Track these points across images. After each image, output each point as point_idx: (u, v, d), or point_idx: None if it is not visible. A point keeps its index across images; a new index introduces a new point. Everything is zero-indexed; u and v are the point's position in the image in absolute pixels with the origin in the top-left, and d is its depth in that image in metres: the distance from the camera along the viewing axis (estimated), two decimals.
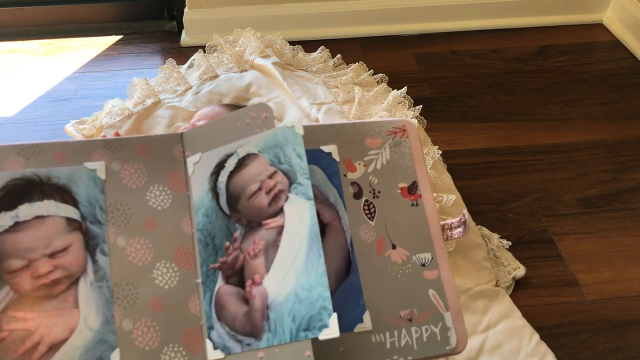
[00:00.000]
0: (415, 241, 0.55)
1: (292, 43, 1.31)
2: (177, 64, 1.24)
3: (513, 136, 1.23)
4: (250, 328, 0.49)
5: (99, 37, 1.52)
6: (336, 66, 1.29)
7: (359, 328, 0.51)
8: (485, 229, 1.01)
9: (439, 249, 0.55)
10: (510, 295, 0.92)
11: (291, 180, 0.51)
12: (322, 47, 1.30)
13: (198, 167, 0.54)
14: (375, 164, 0.58)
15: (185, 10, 1.49)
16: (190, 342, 0.50)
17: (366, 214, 0.56)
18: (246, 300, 0.49)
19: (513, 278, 0.94)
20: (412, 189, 0.57)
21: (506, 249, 0.99)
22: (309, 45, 1.33)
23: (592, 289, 0.95)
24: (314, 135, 0.57)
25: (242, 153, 0.54)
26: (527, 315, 0.88)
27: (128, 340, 0.48)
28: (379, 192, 0.57)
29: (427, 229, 0.56)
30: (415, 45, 1.51)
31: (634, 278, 0.96)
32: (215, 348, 0.49)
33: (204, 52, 1.27)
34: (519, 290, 0.94)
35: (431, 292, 0.53)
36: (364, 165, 0.57)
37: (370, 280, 0.53)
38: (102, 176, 0.51)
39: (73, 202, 0.50)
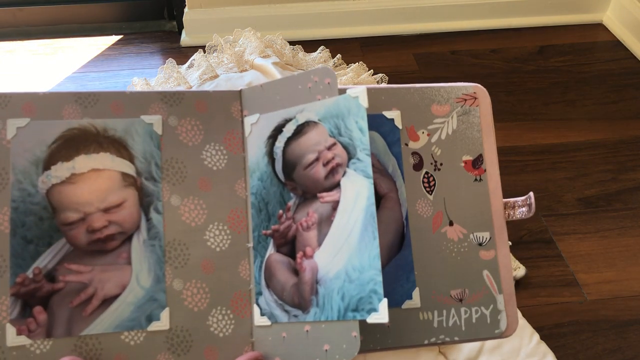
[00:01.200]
0: (475, 219, 0.53)
1: (292, 43, 1.31)
2: (177, 64, 1.24)
3: (513, 136, 1.23)
4: (299, 300, 0.48)
5: (99, 37, 1.52)
6: (336, 66, 1.29)
7: (407, 304, 0.50)
8: None
9: (498, 228, 0.53)
10: None
11: (350, 155, 0.49)
12: (322, 47, 1.30)
13: (255, 128, 0.52)
14: (440, 134, 0.54)
15: (185, 10, 1.49)
16: (238, 306, 0.49)
17: (425, 187, 0.53)
18: (296, 271, 0.49)
19: (513, 278, 0.95)
20: (477, 162, 0.55)
21: None
22: (309, 45, 1.33)
23: (592, 289, 0.95)
24: (377, 98, 0.54)
25: (301, 119, 0.52)
26: (527, 315, 0.87)
27: (178, 300, 0.48)
28: (441, 164, 0.53)
29: (489, 206, 0.54)
30: (415, 45, 1.51)
31: (634, 278, 0.96)
32: (262, 314, 0.49)
33: (204, 52, 1.27)
34: (519, 290, 0.94)
35: (485, 272, 0.52)
36: (428, 135, 0.54)
37: (423, 257, 0.51)
38: (159, 131, 0.50)
39: (129, 156, 0.50)
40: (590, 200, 1.10)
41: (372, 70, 1.23)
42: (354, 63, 1.27)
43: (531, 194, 0.53)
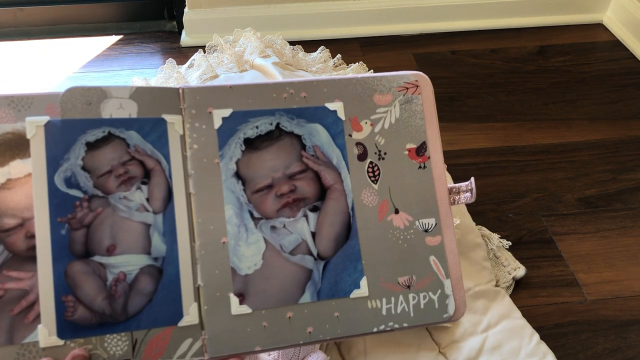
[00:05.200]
0: (420, 206, 0.53)
1: (292, 43, 1.31)
2: (177, 64, 1.24)
3: (513, 136, 1.23)
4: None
5: (99, 37, 1.53)
6: (336, 66, 1.29)
7: (355, 294, 0.50)
8: (485, 229, 1.01)
9: (443, 214, 0.53)
10: (510, 295, 0.92)
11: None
12: (322, 47, 1.30)
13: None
14: (383, 123, 0.54)
15: (185, 10, 1.49)
16: None
17: (370, 177, 0.53)
18: None
19: (513, 278, 0.95)
20: (421, 150, 0.54)
21: (506, 249, 0.99)
22: (309, 45, 1.33)
23: (592, 289, 0.95)
24: (319, 90, 0.54)
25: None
26: (527, 315, 0.88)
27: None
28: (385, 153, 0.54)
29: (433, 192, 0.53)
30: (415, 45, 1.51)
31: (634, 278, 0.96)
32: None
33: (204, 52, 1.27)
34: (519, 290, 0.94)
35: (432, 258, 0.52)
36: (371, 125, 0.54)
37: (369, 246, 0.52)
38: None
39: None
40: (590, 200, 1.10)
41: (372, 70, 1.23)
42: (354, 63, 1.27)
43: (472, 179, 0.53)
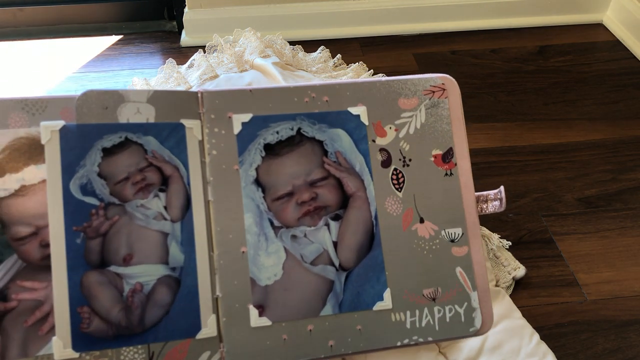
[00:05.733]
0: (446, 215, 0.51)
1: (292, 43, 1.31)
2: (177, 64, 1.24)
3: (513, 136, 1.23)
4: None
5: (99, 37, 1.52)
6: (336, 66, 1.29)
7: (378, 306, 0.49)
8: (485, 229, 1.01)
9: (471, 223, 0.51)
10: (510, 295, 0.92)
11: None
12: (322, 47, 1.30)
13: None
14: (408, 128, 0.52)
15: (185, 10, 1.49)
16: None
17: (394, 184, 0.51)
18: None
19: (513, 278, 0.94)
20: (447, 156, 0.53)
21: (506, 249, 0.99)
22: (309, 45, 1.33)
23: (592, 289, 0.95)
24: (342, 94, 0.52)
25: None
26: (527, 315, 0.87)
27: None
28: (410, 160, 0.52)
29: (460, 201, 0.52)
30: (415, 45, 1.51)
31: (634, 278, 0.96)
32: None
33: (204, 52, 1.27)
34: (519, 290, 0.94)
35: (458, 269, 0.50)
36: (395, 130, 0.52)
37: (393, 256, 0.50)
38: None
39: None
40: (590, 200, 1.10)
41: (372, 70, 1.23)
42: (354, 63, 1.27)
43: (502, 187, 0.51)
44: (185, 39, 1.50)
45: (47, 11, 1.53)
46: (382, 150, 0.52)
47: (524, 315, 0.87)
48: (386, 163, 0.52)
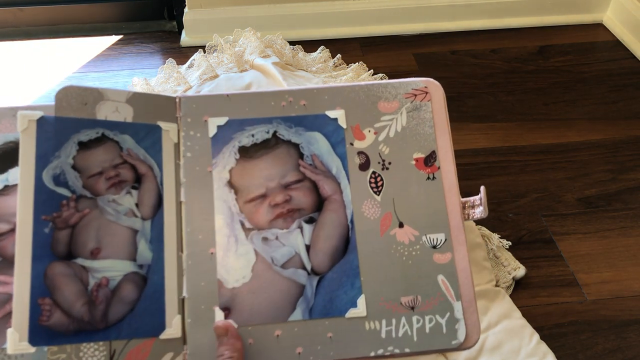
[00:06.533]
0: (428, 219, 0.49)
1: (292, 43, 1.31)
2: (177, 64, 1.24)
3: (513, 136, 1.23)
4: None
5: (99, 37, 1.53)
6: (336, 66, 1.29)
7: (351, 313, 0.46)
8: (485, 229, 1.01)
9: (455, 229, 0.49)
10: (510, 295, 0.92)
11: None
12: (322, 47, 1.30)
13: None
14: (388, 131, 0.51)
15: (185, 10, 1.49)
16: None
17: (372, 188, 0.50)
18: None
19: (513, 278, 0.94)
20: (430, 160, 0.50)
21: (506, 249, 0.99)
22: (309, 45, 1.33)
23: (592, 289, 0.95)
24: (320, 98, 0.51)
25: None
26: (527, 315, 0.87)
27: None
28: (390, 163, 0.50)
29: (443, 205, 0.49)
30: (415, 45, 1.51)
31: (634, 278, 0.96)
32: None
33: (204, 52, 1.27)
34: (519, 290, 0.94)
35: (441, 277, 0.47)
36: (375, 133, 0.51)
37: (369, 261, 0.48)
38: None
39: None
40: (590, 200, 1.10)
41: (372, 70, 1.23)
42: (354, 63, 1.27)
43: (482, 189, 0.49)
44: (185, 39, 1.50)
45: (47, 11, 1.53)
46: (360, 153, 0.51)
47: (524, 315, 0.87)
48: (364, 166, 0.51)
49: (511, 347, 0.83)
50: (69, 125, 0.47)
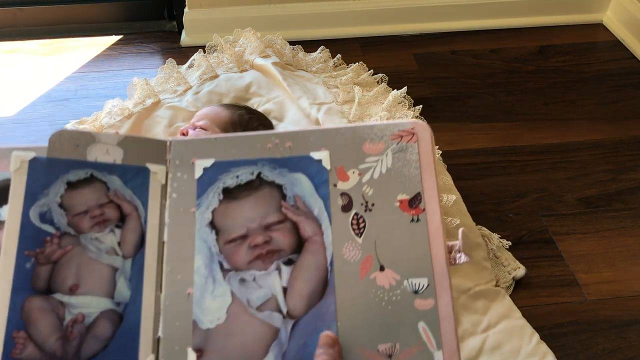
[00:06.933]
0: (410, 263, 0.47)
1: (292, 43, 1.31)
2: (177, 64, 1.24)
3: (513, 136, 1.23)
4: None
5: (99, 37, 1.53)
6: (336, 66, 1.29)
7: None
8: (485, 229, 1.01)
9: (439, 274, 0.47)
10: (510, 295, 0.92)
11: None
12: (322, 47, 1.30)
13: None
14: (373, 173, 0.50)
15: (185, 10, 1.49)
16: None
17: (354, 229, 0.49)
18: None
19: (513, 278, 0.94)
20: (414, 201, 0.49)
21: (506, 249, 0.99)
22: (309, 45, 1.33)
23: (592, 289, 0.95)
24: (305, 140, 0.51)
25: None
26: (527, 315, 0.88)
27: None
28: (373, 204, 0.49)
29: (427, 249, 0.48)
30: (415, 45, 1.51)
31: (634, 278, 0.96)
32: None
33: (204, 52, 1.27)
34: (519, 290, 0.94)
35: (421, 325, 0.45)
36: (359, 174, 0.50)
37: (347, 306, 0.46)
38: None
39: None
40: (590, 200, 1.10)
41: (372, 70, 1.23)
42: (354, 63, 1.27)
43: (460, 231, 0.48)
44: (185, 39, 1.50)
45: (47, 11, 1.53)
46: (344, 194, 0.50)
47: (524, 315, 0.87)
48: (347, 208, 0.49)
49: (511, 347, 0.83)
50: (59, 166, 0.49)
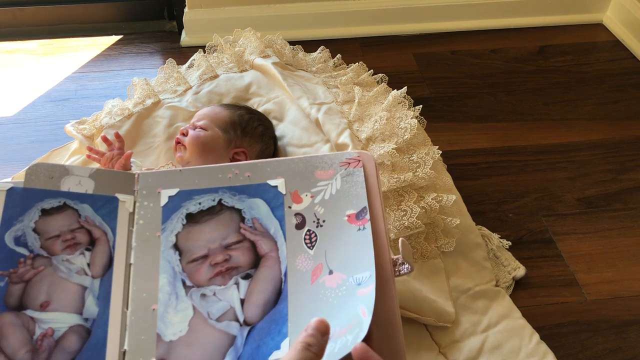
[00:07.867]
0: (355, 264, 0.52)
1: (292, 43, 1.31)
2: (177, 64, 1.24)
3: (513, 136, 1.23)
4: None
5: (99, 37, 1.53)
6: (336, 66, 1.29)
7: (275, 355, 0.49)
8: (485, 229, 1.01)
9: (379, 266, 0.51)
10: (510, 295, 0.92)
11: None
12: (322, 47, 1.30)
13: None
14: (324, 195, 0.56)
15: (185, 10, 1.49)
16: None
17: (306, 243, 0.55)
18: None
19: (513, 278, 0.94)
20: (361, 214, 0.55)
21: (506, 249, 0.99)
22: (309, 45, 1.33)
23: (592, 289, 0.95)
24: (263, 170, 0.57)
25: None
26: (527, 315, 0.88)
27: None
28: (324, 221, 0.55)
29: (370, 248, 0.52)
30: (415, 45, 1.51)
31: (634, 278, 0.96)
32: None
33: (204, 52, 1.27)
34: (519, 290, 0.94)
35: (360, 306, 0.48)
36: (311, 197, 0.57)
37: (298, 309, 0.51)
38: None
39: None
40: (590, 200, 1.10)
41: (372, 70, 1.23)
42: (354, 63, 1.27)
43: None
44: (185, 39, 1.50)
45: (47, 11, 1.53)
46: (297, 214, 0.56)
47: (524, 315, 0.87)
48: (300, 225, 0.55)
49: (511, 347, 0.83)
50: (34, 195, 0.54)
